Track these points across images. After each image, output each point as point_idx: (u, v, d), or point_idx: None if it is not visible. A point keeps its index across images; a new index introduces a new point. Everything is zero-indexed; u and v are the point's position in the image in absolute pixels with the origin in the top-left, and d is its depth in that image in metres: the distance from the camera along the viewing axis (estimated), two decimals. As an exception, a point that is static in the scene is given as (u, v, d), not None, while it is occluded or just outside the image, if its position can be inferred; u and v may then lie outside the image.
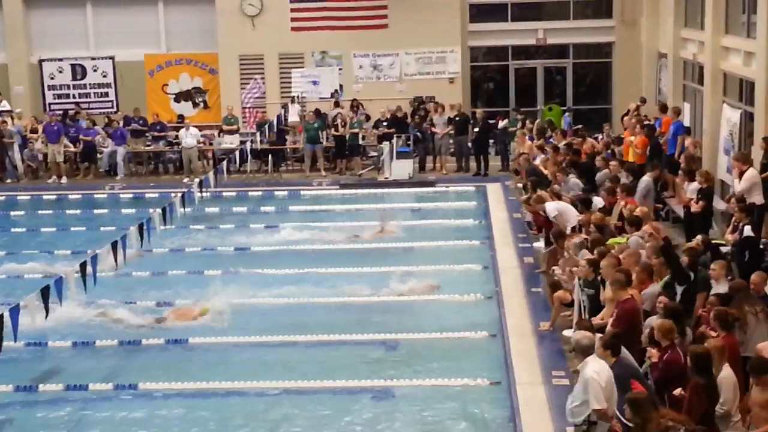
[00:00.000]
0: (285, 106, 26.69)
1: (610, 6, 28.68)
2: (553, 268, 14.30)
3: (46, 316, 10.42)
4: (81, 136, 26.08)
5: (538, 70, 29.72)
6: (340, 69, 29.14)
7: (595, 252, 12.59)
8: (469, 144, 25.01)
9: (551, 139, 22.33)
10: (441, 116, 25.36)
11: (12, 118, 26.95)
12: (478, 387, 11.57)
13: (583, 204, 15.60)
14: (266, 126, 24.27)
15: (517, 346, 12.36)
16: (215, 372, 12.13)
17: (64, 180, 25.30)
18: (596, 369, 9.13)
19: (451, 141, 25.22)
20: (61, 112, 28.01)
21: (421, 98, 27.58)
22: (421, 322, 13.94)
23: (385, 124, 25.72)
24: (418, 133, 25.45)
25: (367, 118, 26.64)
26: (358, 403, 11.26)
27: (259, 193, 23.85)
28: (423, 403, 11.22)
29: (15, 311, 9.72)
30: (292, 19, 28.98)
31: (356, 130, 25.70)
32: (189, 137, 25.83)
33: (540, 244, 16.75)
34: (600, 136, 22.66)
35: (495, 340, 13.04)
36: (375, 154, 25.89)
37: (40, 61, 30.13)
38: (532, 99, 29.33)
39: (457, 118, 24.90)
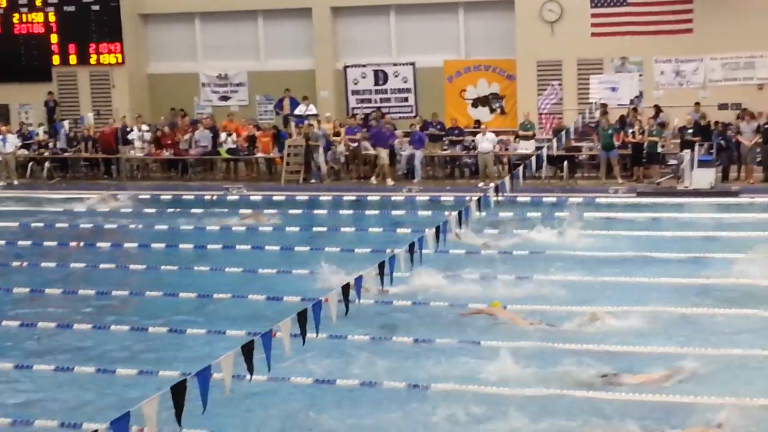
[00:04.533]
0: (583, 113, 26.41)
1: None
2: None
3: (346, 313, 10.67)
4: (381, 140, 26.90)
5: None
6: (640, 75, 28.44)
7: None
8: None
9: None
10: (749, 124, 24.20)
11: (318, 122, 28.17)
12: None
13: None
14: (563, 132, 24.04)
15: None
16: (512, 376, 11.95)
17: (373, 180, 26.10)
18: None
19: (759, 150, 24.01)
20: (363, 116, 29.03)
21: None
22: (721, 338, 13.24)
23: (690, 131, 24.83)
24: (722, 141, 24.40)
25: (663, 126, 25.84)
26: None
27: (554, 199, 23.63)
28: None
29: (317, 306, 10.05)
30: (593, 25, 28.64)
31: (655, 138, 24.96)
32: (485, 142, 26.05)
33: None
34: None
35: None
36: (674, 162, 25.07)
37: (345, 67, 31.33)
38: None
39: (766, 126, 23.67)
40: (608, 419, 10.52)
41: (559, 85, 29.35)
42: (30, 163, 29.82)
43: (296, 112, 30.23)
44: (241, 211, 23.07)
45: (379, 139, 26.72)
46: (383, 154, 26.47)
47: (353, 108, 31.17)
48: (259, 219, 22.07)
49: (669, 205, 22.67)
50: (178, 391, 7.44)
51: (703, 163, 24.05)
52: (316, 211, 23.38)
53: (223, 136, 28.82)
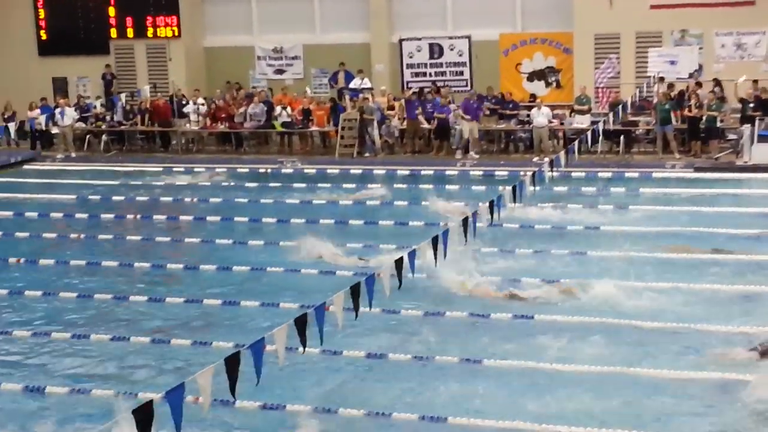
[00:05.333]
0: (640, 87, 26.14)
1: None
2: None
3: (399, 287, 10.67)
4: (436, 114, 26.76)
5: None
6: (700, 48, 27.97)
7: None
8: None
9: None
10: (811, 98, 23.76)
11: (372, 96, 28.11)
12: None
13: None
14: (620, 106, 23.74)
15: None
16: (564, 352, 11.85)
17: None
18: None
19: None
20: (417, 89, 28.89)
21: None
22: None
23: (750, 105, 24.41)
24: (784, 116, 23.98)
25: (722, 100, 25.41)
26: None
27: (609, 174, 23.42)
28: None
29: (370, 280, 10.05)
30: (653, -3, 28.15)
31: (714, 113, 24.58)
32: (540, 116, 25.86)
33: None
34: None
35: None
36: (734, 137, 24.69)
37: (400, 41, 31.17)
38: None
39: (828, 101, 23.24)
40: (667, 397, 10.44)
41: (617, 58, 28.94)
42: (87, 136, 30.15)
43: (351, 85, 30.18)
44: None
45: (468, 110, 26.42)
46: (467, 127, 26.13)
47: (408, 82, 31.03)
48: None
49: (728, 181, 22.39)
50: (232, 362, 7.50)
51: (763, 138, 23.63)
52: (369, 185, 23.32)
53: (278, 109, 28.86)
